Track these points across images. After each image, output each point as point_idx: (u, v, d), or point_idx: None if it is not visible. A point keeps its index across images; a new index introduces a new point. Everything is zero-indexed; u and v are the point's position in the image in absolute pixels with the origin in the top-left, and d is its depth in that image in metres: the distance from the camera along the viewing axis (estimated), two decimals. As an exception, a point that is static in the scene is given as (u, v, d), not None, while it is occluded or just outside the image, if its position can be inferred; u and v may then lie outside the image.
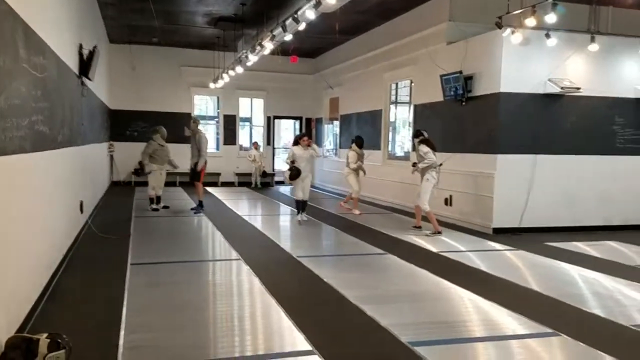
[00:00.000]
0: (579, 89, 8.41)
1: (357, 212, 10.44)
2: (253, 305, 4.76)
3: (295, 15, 7.83)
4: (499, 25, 8.13)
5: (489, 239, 8.00)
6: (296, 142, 9.41)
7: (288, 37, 8.76)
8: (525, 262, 6.68)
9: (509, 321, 4.37)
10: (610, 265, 6.43)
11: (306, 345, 3.70)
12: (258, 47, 10.26)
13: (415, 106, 11.19)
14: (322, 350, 3.61)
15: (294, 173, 9.15)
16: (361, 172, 10.61)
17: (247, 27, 12.29)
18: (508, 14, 8.18)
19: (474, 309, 4.72)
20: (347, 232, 8.48)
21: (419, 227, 8.69)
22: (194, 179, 10.56)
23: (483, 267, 6.30)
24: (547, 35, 8.14)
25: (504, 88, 8.42)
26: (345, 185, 13.83)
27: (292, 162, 9.19)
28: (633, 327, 4.25)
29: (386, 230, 8.66)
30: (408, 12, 11.11)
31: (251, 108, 17.98)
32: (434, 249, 7.29)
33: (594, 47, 8.37)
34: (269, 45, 9.59)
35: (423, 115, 10.81)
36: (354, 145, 10.61)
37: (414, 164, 8.58)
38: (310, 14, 7.19)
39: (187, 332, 3.97)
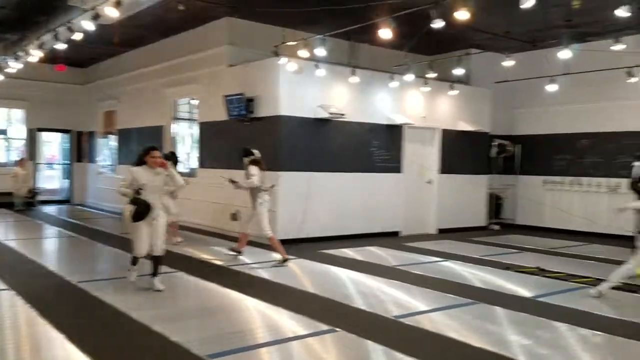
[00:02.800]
0: (343, 115, 9.60)
1: (178, 239, 8.95)
2: (33, 336, 4.35)
3: (69, 24, 7.35)
4: (276, 54, 8.87)
5: (274, 251, 8.54)
6: (140, 161, 5.84)
7: (61, 45, 8.12)
8: (304, 269, 7.37)
9: (291, 324, 4.84)
10: (371, 267, 7.49)
11: (98, 373, 3.58)
12: (22, 54, 9.25)
13: (201, 124, 11.35)
14: (116, 374, 3.54)
15: (141, 210, 5.66)
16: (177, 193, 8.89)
17: (7, 32, 10.92)
18: (284, 44, 8.99)
19: (261, 316, 5.09)
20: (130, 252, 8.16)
21: (239, 252, 7.93)
22: None
23: (268, 277, 6.77)
24: (317, 66, 9.15)
25: (283, 111, 9.17)
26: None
27: (136, 192, 5.78)
28: (392, 318, 5.09)
29: (174, 248, 8.58)
30: (188, 31, 11.24)
31: (8, 119, 15.91)
32: (222, 263, 7.54)
33: (354, 79, 9.66)
34: (36, 53, 8.74)
35: (209, 133, 11.03)
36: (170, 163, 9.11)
37: (232, 181, 7.75)
38: (87, 24, 6.84)
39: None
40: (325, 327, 4.70)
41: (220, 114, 10.23)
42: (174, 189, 6.61)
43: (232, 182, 7.65)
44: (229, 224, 10.02)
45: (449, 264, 7.93)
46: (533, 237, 10.89)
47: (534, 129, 12.39)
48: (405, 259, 8.33)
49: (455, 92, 11.14)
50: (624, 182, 9.20)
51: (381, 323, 4.98)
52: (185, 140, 12.76)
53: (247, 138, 9.77)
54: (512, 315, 5.27)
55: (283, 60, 8.87)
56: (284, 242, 9.00)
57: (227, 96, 9.89)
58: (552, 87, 10.15)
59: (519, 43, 10.90)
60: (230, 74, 10.20)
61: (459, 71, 10.08)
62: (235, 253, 7.92)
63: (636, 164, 7.09)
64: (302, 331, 4.64)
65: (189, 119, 12.60)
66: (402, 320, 5.02)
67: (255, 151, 7.62)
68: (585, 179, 11.41)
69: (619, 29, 8.90)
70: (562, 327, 4.90)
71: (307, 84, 9.39)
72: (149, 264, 5.91)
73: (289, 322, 4.90)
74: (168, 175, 5.89)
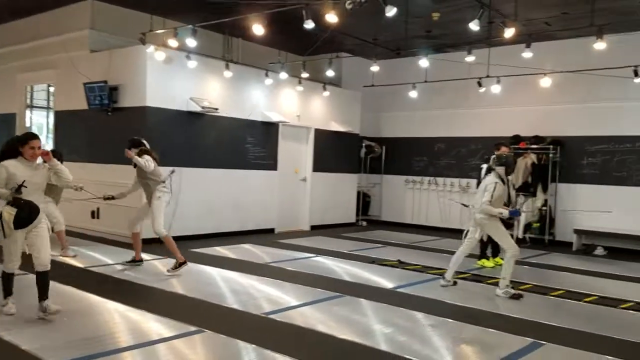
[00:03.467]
0: (217, 109, 9.39)
1: (71, 253, 7.55)
2: None
3: None
4: (143, 42, 8.42)
5: (171, 253, 7.95)
6: (13, 150, 4.60)
7: None
8: (172, 269, 7.09)
9: (156, 326, 4.63)
10: (244, 265, 7.44)
11: None
12: None
13: (57, 112, 10.43)
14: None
15: (24, 213, 4.47)
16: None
17: None
18: (151, 32, 8.58)
19: (123, 320, 4.81)
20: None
21: (139, 262, 7.07)
22: None
23: (131, 278, 6.42)
24: (188, 57, 8.85)
25: (150, 102, 8.72)
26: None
27: (16, 190, 4.45)
28: (263, 315, 5.09)
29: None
30: (45, 12, 10.27)
31: None
32: (80, 265, 7.02)
33: (228, 73, 9.50)
34: None
35: (66, 123, 10.17)
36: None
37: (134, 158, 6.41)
38: None
39: None
40: (192, 328, 4.57)
41: (80, 103, 9.47)
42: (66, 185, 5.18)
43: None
44: (88, 222, 9.36)
45: (321, 259, 8.15)
46: (396, 233, 11.60)
47: (397, 132, 13.19)
48: (278, 255, 8.39)
49: (327, 94, 11.46)
50: (473, 182, 10.19)
51: (252, 321, 4.97)
52: (44, 130, 11.70)
53: (109, 129, 9.21)
54: (375, 306, 5.56)
55: (150, 48, 8.45)
56: (153, 241, 8.50)
57: (87, 84, 9.19)
58: (412, 94, 10.93)
59: (385, 50, 11.53)
60: (92, 61, 9.48)
61: (330, 73, 10.38)
62: (135, 263, 7.04)
63: (484, 166, 7.85)
64: (167, 333, 4.46)
65: (47, 107, 11.55)
66: (273, 316, 5.05)
67: (144, 141, 6.79)
68: (440, 179, 12.43)
69: (471, 42, 9.79)
70: (418, 315, 5.28)
71: (177, 75, 9.03)
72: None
73: (153, 324, 4.68)
74: (51, 169, 4.73)
